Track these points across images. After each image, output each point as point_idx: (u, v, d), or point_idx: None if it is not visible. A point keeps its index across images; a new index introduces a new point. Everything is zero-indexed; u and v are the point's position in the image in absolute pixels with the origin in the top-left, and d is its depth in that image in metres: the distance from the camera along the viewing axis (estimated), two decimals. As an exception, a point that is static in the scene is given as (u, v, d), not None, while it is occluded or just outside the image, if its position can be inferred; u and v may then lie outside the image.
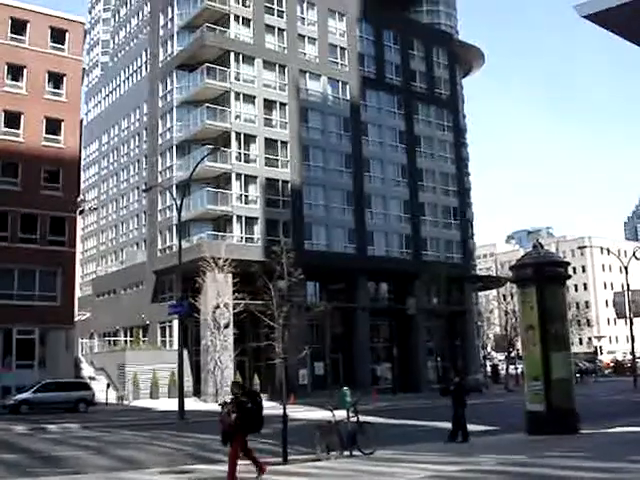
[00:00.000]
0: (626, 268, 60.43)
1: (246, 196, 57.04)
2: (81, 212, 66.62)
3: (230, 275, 50.14)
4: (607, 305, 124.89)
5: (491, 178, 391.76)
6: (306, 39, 63.63)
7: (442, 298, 62.51)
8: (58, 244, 47.09)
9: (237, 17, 59.75)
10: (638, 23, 8.33)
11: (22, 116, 46.97)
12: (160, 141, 63.17)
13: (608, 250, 79.92)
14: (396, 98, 69.10)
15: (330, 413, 17.70)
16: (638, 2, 7.65)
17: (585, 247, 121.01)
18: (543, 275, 20.79)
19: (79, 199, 55.30)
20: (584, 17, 8.18)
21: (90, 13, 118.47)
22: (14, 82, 47.45)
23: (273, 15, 61.72)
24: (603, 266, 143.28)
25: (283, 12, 62.34)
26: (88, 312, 71.28)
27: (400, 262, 65.39)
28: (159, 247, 61.36)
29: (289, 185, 59.25)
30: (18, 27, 47.67)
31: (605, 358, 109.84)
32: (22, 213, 45.76)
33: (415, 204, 67.87)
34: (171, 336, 56.04)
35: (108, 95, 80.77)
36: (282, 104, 60.40)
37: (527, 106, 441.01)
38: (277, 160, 58.98)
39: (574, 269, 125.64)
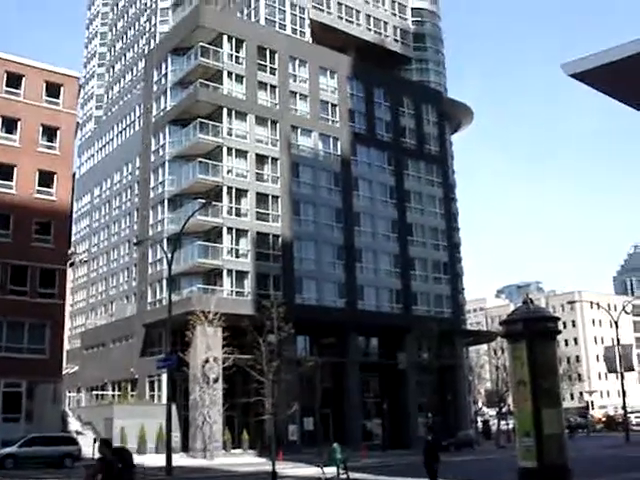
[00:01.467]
0: (616, 323, 60.45)
1: (237, 250, 57.17)
2: (72, 264, 66.45)
3: (220, 329, 49.96)
4: (598, 360, 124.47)
5: (481, 232, 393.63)
6: (298, 96, 64.60)
7: (433, 353, 62.27)
8: (48, 296, 46.86)
9: (230, 74, 60.68)
10: (625, 81, 8.56)
11: (15, 168, 47.17)
12: (152, 194, 63.48)
13: (598, 305, 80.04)
14: (386, 154, 69.91)
15: (320, 470, 17.57)
16: (625, 61, 7.88)
17: (575, 302, 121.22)
18: (533, 330, 20.77)
19: (70, 251, 55.26)
20: (571, 76, 8.40)
21: (85, 68, 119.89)
22: (8, 134, 47.79)
23: (265, 72, 62.74)
24: (593, 321, 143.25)
25: (275, 69, 63.38)
26: (76, 365, 70.57)
27: (390, 316, 65.35)
28: (149, 300, 61.15)
29: (280, 239, 59.48)
30: (13, 81, 48.22)
31: (597, 413, 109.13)
32: (13, 265, 45.64)
33: (405, 258, 68.14)
34: (160, 390, 55.49)
35: (101, 148, 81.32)
36: (274, 159, 61.01)
37: (516, 161, 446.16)
38: (268, 214, 59.30)
39: (564, 324, 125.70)
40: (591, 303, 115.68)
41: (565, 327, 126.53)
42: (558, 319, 25.00)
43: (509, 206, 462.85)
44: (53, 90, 49.85)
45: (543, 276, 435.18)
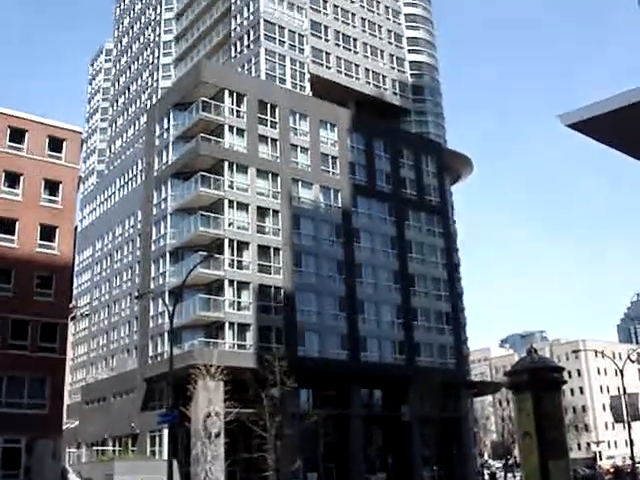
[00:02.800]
0: (621, 371, 59.88)
1: (239, 302, 57.03)
2: (73, 318, 66.27)
3: (222, 383, 49.47)
4: (604, 409, 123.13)
5: (483, 282, 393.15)
6: (298, 148, 65.18)
7: (437, 404, 61.60)
8: (49, 351, 46.53)
9: (231, 127, 61.31)
10: (624, 131, 8.60)
11: (17, 222, 47.31)
12: (153, 248, 63.59)
13: (602, 353, 79.50)
14: (387, 205, 70.21)
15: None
16: (622, 110, 7.92)
17: (579, 351, 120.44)
18: (538, 381, 20.60)
19: (71, 305, 55.15)
20: (568, 126, 8.43)
21: (88, 122, 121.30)
22: (10, 189, 48.00)
23: (266, 126, 63.40)
24: (598, 369, 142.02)
25: (276, 123, 64.06)
26: (77, 420, 69.79)
27: (393, 368, 64.84)
28: (150, 354, 60.77)
29: (282, 291, 59.37)
30: (16, 135, 48.65)
31: (604, 463, 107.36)
32: (13, 319, 45.44)
33: (408, 309, 67.90)
34: (161, 445, 54.77)
35: (103, 202, 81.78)
36: (275, 211, 61.26)
37: (518, 210, 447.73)
38: (270, 266, 59.30)
39: (569, 373, 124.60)
40: (595, 352, 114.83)
41: (570, 376, 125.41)
42: (563, 369, 24.83)
43: (511, 255, 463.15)
44: (56, 145, 50.26)
45: (547, 324, 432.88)
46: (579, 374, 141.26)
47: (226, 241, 57.43)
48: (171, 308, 39.56)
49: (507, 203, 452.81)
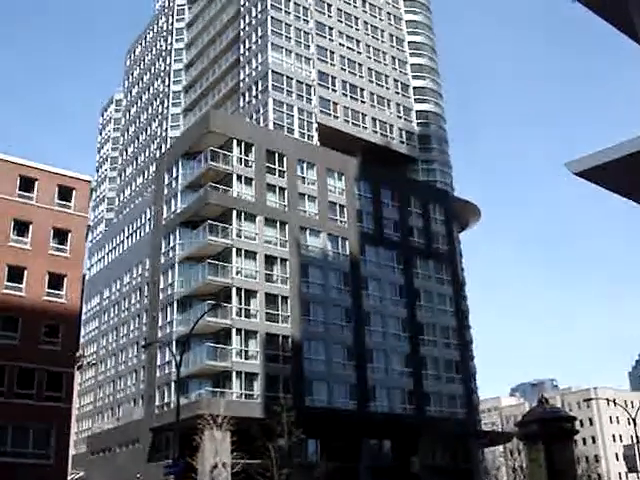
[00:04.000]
0: (634, 420, 58.98)
1: (246, 351, 56.66)
2: (79, 367, 65.89)
3: (228, 433, 48.91)
4: (617, 459, 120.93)
5: (492, 329, 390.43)
6: (306, 197, 65.44)
7: (447, 455, 60.69)
8: (54, 400, 46.14)
9: (239, 177, 61.69)
10: (631, 178, 8.54)
11: (25, 271, 47.35)
12: (161, 296, 63.52)
13: (614, 402, 78.52)
14: (395, 253, 70.16)
15: None
16: (631, 157, 7.87)
17: (591, 399, 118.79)
18: (550, 431, 20.36)
19: (78, 354, 54.84)
20: (576, 174, 8.39)
21: (97, 171, 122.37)
22: (19, 237, 48.17)
23: (274, 175, 63.78)
24: (610, 418, 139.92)
25: (284, 172, 64.45)
26: (82, 471, 68.92)
27: (403, 418, 63.99)
28: (157, 404, 60.26)
29: (289, 340, 59.01)
30: (26, 184, 48.97)
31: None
32: (20, 368, 45.18)
33: (417, 358, 67.35)
34: (167, 498, 53.87)
35: (111, 250, 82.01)
36: (283, 260, 61.24)
37: (526, 256, 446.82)
38: (277, 315, 59.06)
39: (581, 422, 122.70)
40: (607, 400, 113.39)
41: (582, 425, 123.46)
42: (575, 419, 24.51)
43: (520, 302, 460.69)
44: (65, 193, 50.55)
45: (557, 372, 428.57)
46: (591, 423, 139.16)
47: (234, 289, 57.32)
48: (178, 357, 39.35)
49: (516, 249, 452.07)
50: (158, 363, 61.78)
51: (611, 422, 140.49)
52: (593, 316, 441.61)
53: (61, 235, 49.99)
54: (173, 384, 55.06)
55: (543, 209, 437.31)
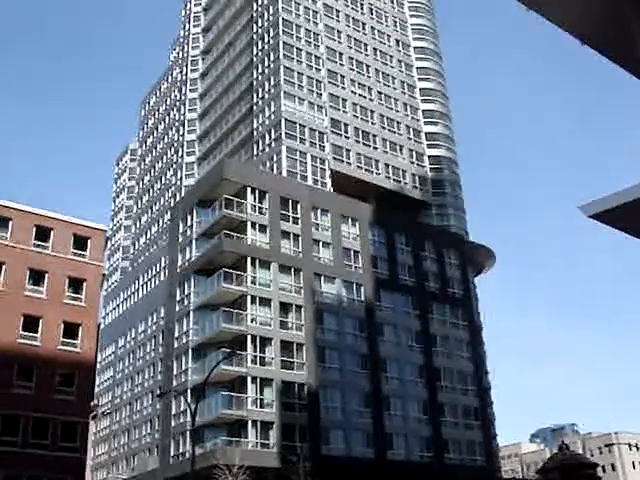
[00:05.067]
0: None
1: (261, 400, 56.15)
2: (94, 417, 65.47)
3: (244, 483, 48.25)
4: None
5: (511, 374, 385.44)
6: (320, 243, 65.50)
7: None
8: (69, 450, 45.76)
9: (254, 224, 61.90)
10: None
11: (40, 320, 47.41)
12: (176, 344, 63.34)
13: (637, 446, 76.91)
14: (410, 298, 69.83)
15: None
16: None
17: (612, 444, 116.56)
18: (572, 479, 19.92)
19: (93, 404, 54.55)
20: (590, 217, 8.33)
21: (112, 220, 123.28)
22: (35, 286, 48.37)
23: (288, 222, 63.96)
24: (633, 463, 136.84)
25: (298, 219, 64.63)
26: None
27: (421, 466, 62.91)
28: (172, 453, 59.65)
29: (305, 388, 58.49)
30: (42, 234, 49.33)
31: None
32: (34, 417, 44.93)
33: (434, 404, 66.50)
34: None
35: (126, 299, 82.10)
36: (297, 306, 61.04)
37: (542, 299, 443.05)
38: (293, 362, 58.65)
39: (603, 468, 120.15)
40: (629, 445, 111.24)
41: (604, 471, 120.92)
42: (596, 465, 24.03)
43: (539, 346, 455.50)
44: (80, 243, 50.85)
45: (577, 416, 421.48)
46: (613, 468, 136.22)
47: (249, 337, 57.08)
48: (193, 406, 39.04)
49: (533, 292, 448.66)
50: (173, 412, 61.33)
51: (634, 467, 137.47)
52: (613, 359, 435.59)
53: (76, 284, 50.14)
54: (188, 433, 54.55)
55: (561, 252, 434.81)
